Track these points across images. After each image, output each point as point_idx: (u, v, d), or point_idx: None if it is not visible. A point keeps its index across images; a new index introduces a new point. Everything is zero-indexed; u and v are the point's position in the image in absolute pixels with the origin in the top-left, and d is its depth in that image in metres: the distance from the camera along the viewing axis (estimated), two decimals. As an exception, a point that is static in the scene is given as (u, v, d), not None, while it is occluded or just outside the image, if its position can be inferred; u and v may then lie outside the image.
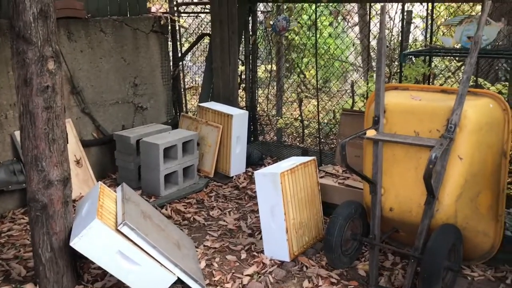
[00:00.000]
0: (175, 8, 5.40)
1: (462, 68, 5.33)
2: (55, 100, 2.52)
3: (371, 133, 2.84)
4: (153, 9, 5.28)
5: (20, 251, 3.24)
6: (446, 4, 5.14)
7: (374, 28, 5.11)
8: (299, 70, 6.30)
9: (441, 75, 5.39)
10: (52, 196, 2.60)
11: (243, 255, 3.24)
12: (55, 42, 2.48)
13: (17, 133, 3.85)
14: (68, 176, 2.67)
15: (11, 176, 3.77)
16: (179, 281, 2.66)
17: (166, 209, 3.96)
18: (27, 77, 2.42)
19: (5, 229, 3.59)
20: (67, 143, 2.68)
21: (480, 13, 2.84)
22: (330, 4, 5.08)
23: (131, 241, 2.54)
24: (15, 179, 3.78)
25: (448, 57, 4.73)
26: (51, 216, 2.62)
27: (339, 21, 6.13)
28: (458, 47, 3.46)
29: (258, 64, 5.63)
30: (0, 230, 3.57)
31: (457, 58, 5.08)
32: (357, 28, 6.64)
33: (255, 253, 3.26)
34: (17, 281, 2.88)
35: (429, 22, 3.90)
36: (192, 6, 5.96)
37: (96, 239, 2.47)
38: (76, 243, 2.47)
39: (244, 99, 5.61)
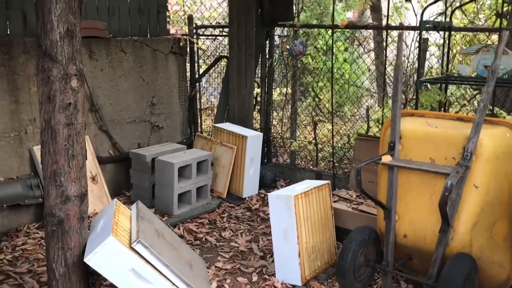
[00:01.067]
0: (194, 31, 5.51)
1: (478, 96, 5.32)
2: (76, 117, 2.57)
3: (386, 158, 2.85)
4: (173, 31, 5.39)
5: (34, 265, 3.27)
6: (463, 33, 5.17)
7: (390, 54, 5.15)
8: (314, 93, 6.35)
9: (456, 103, 5.39)
10: (69, 211, 2.63)
11: (255, 278, 3.23)
12: (79, 61, 2.55)
13: (36, 148, 3.92)
14: (85, 192, 2.70)
15: (27, 191, 3.82)
16: (190, 301, 2.66)
17: (179, 228, 3.97)
18: (51, 94, 2.48)
19: (20, 243, 3.62)
20: (86, 159, 2.72)
21: (497, 43, 2.86)
22: (347, 30, 5.14)
23: (145, 259, 2.55)
24: (31, 194, 3.84)
25: (464, 85, 4.73)
26: (67, 231, 2.64)
27: (355, 47, 6.19)
28: (474, 75, 3.47)
29: (273, 87, 5.69)
30: (15, 243, 3.61)
31: (473, 87, 5.09)
32: (372, 54, 6.70)
33: (266, 276, 3.24)
34: (29, 295, 2.90)
35: (446, 50, 3.93)
36: (211, 29, 6.06)
37: (110, 256, 2.49)
38: (91, 259, 2.48)
39: (259, 121, 5.65)
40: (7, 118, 3.79)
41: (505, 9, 4.50)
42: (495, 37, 5.33)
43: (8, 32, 3.89)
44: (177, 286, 2.61)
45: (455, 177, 2.52)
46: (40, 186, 3.87)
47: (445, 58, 3.98)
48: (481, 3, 6.40)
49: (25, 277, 3.09)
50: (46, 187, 2.62)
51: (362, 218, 3.49)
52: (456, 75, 3.79)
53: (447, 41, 3.89)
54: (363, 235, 2.96)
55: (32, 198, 3.84)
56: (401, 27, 4.27)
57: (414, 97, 4.26)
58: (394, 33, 5.37)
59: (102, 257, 2.48)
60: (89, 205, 2.96)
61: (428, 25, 3.62)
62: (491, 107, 4.05)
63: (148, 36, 4.95)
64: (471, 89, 5.42)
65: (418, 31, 4.25)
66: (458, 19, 6.64)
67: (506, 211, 2.79)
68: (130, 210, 3.04)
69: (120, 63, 4.60)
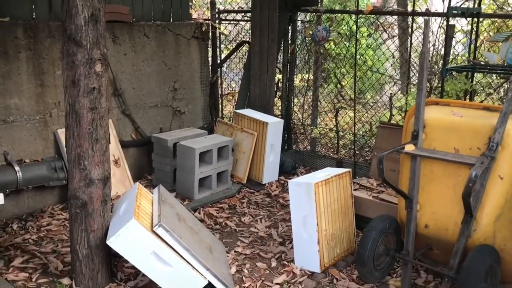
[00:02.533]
0: (217, 15, 5.49)
1: (504, 85, 5.19)
2: (100, 101, 2.60)
3: (410, 148, 2.81)
4: (195, 16, 5.37)
5: (58, 246, 3.35)
6: (490, 20, 5.03)
7: (415, 41, 5.05)
8: (336, 80, 6.28)
9: (482, 91, 5.27)
10: (92, 194, 2.68)
11: (274, 263, 3.25)
12: (103, 46, 2.57)
13: (60, 131, 3.98)
14: (108, 175, 2.74)
15: (52, 173, 3.89)
16: (209, 285, 2.69)
17: (199, 213, 4.01)
18: (75, 78, 2.52)
19: (45, 223, 3.71)
20: (109, 143, 2.76)
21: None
22: (371, 16, 5.05)
23: (166, 242, 2.59)
24: (56, 176, 3.91)
25: (493, 74, 4.61)
26: (90, 214, 2.70)
27: (379, 33, 6.07)
28: (502, 63, 3.38)
29: (295, 73, 5.65)
30: (40, 224, 3.70)
31: (501, 75, 4.96)
32: (397, 41, 6.57)
33: (285, 262, 3.26)
34: (54, 274, 2.98)
35: (473, 37, 3.83)
36: (233, 14, 6.03)
37: (132, 239, 2.53)
38: (113, 242, 2.53)
39: (280, 108, 5.62)
40: (33, 101, 3.86)
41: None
42: (525, 24, 5.16)
43: (34, 16, 3.93)
44: (197, 270, 2.64)
45: (480, 167, 2.48)
46: (64, 168, 3.94)
47: (472, 45, 3.88)
48: (511, -12, 6.21)
49: (50, 257, 3.17)
50: (70, 170, 2.67)
51: (383, 207, 3.47)
52: (483, 63, 3.70)
53: (475, 28, 3.79)
54: (384, 224, 2.94)
55: (57, 180, 3.92)
56: (428, 13, 4.18)
57: (439, 85, 4.18)
58: (420, 19, 5.25)
59: (124, 239, 2.53)
60: (112, 188, 3.01)
61: (455, 11, 3.53)
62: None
63: (171, 21, 4.95)
64: (498, 78, 5.28)
65: (445, 18, 4.14)
66: (486, 5, 6.45)
67: (531, 203, 2.73)
68: (152, 194, 3.08)
69: (143, 47, 4.62)
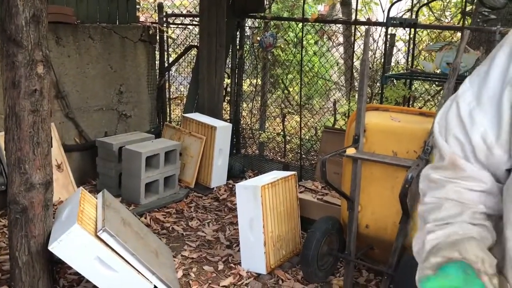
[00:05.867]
0: (164, 19, 5.46)
1: (441, 92, 5.49)
2: (42, 103, 2.53)
3: (351, 151, 2.92)
4: (142, 19, 5.33)
5: (-4, 254, 3.22)
6: (428, 30, 5.31)
7: (358, 49, 5.24)
8: (283, 86, 6.40)
9: (420, 98, 5.54)
10: (33, 199, 2.60)
11: (220, 266, 3.27)
12: (46, 47, 2.51)
13: (0, 135, 3.82)
14: (50, 180, 2.67)
15: (-10, 178, 3.73)
16: (155, 289, 2.68)
17: (146, 218, 3.97)
18: (16, 80, 2.44)
19: (-19, 231, 3.56)
20: (51, 147, 2.69)
21: (459, 40, 2.96)
22: (316, 24, 5.20)
23: (110, 247, 2.55)
24: (-6, 181, 3.75)
25: (428, 81, 4.88)
26: (31, 219, 2.62)
27: (325, 40, 6.26)
28: (438, 72, 3.59)
29: (243, 78, 5.71)
30: (-24, 231, 3.54)
31: (436, 83, 5.24)
32: (341, 48, 6.79)
33: (232, 264, 3.29)
34: (-9, 283, 2.86)
35: (411, 46, 4.04)
36: (181, 18, 6.02)
37: (75, 244, 2.48)
38: (55, 247, 2.46)
39: (229, 112, 5.66)
40: (-31, 103, 3.69)
41: (468, 8, 4.64)
42: (459, 34, 5.48)
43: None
44: (142, 274, 2.62)
45: (416, 169, 2.61)
46: (3, 173, 3.78)
47: (410, 54, 4.09)
48: (447, 0, 6.57)
49: (-13, 266, 3.05)
50: (10, 174, 2.58)
51: (327, 208, 3.58)
52: (420, 71, 3.90)
53: (412, 38, 4.00)
54: (327, 225, 3.04)
55: (-5, 185, 3.76)
56: (369, 23, 4.36)
57: (380, 91, 4.37)
58: (363, 28, 5.46)
59: (67, 245, 2.47)
60: (55, 193, 2.93)
61: (394, 21, 3.71)
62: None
63: (117, 23, 4.88)
64: (435, 85, 5.58)
65: (385, 27, 4.34)
66: (426, 16, 6.79)
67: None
68: (96, 199, 3.02)
69: (88, 49, 4.53)
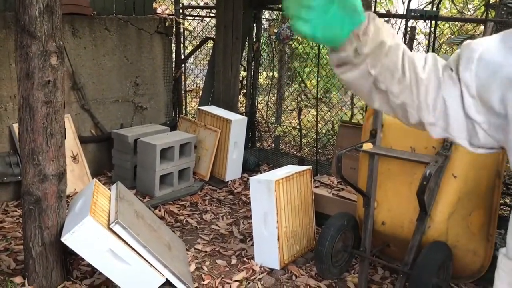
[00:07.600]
0: (181, 11, 5.43)
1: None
2: (55, 95, 2.53)
3: (368, 146, 2.86)
4: (159, 10, 5.30)
5: (11, 244, 3.24)
6: (450, 22, 5.17)
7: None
8: (300, 79, 6.33)
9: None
10: (46, 190, 2.60)
11: (234, 261, 3.24)
12: (59, 38, 2.50)
13: (15, 126, 3.85)
14: (63, 171, 2.67)
15: (6, 168, 3.77)
16: (167, 282, 2.66)
17: (160, 210, 3.96)
18: (29, 71, 2.44)
19: (-3, 221, 3.59)
20: (65, 138, 2.69)
21: (482, 34, 2.86)
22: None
23: (123, 240, 2.54)
24: (10, 171, 3.79)
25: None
26: (44, 210, 2.62)
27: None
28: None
29: (260, 71, 5.65)
30: (-8, 221, 3.57)
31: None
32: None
33: (245, 259, 3.26)
34: (6, 273, 2.88)
35: (432, 39, 3.93)
36: (198, 10, 5.98)
37: (88, 236, 2.48)
38: (68, 239, 2.47)
39: (244, 105, 5.62)
40: (-14, 94, 3.72)
41: (493, 0, 4.50)
42: (482, 27, 5.34)
43: (-12, 6, 3.79)
44: (154, 267, 2.61)
45: (434, 166, 2.54)
46: (20, 164, 3.81)
47: (431, 47, 3.99)
48: (470, -7, 6.40)
49: (2, 255, 3.06)
50: (24, 166, 2.59)
51: (342, 204, 3.52)
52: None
53: (433, 31, 3.89)
54: (342, 221, 2.99)
55: (11, 175, 3.79)
56: (388, 15, 4.26)
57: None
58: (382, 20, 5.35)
59: (80, 237, 2.47)
60: (70, 184, 2.94)
61: (414, 14, 3.61)
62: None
63: (133, 15, 4.86)
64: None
65: (405, 19, 4.23)
66: (448, 9, 6.64)
67: (482, 203, 2.82)
68: (110, 190, 3.02)
69: (104, 41, 4.52)
